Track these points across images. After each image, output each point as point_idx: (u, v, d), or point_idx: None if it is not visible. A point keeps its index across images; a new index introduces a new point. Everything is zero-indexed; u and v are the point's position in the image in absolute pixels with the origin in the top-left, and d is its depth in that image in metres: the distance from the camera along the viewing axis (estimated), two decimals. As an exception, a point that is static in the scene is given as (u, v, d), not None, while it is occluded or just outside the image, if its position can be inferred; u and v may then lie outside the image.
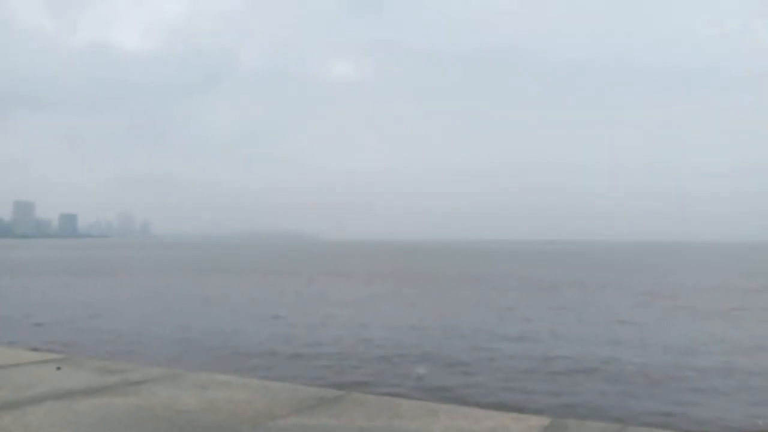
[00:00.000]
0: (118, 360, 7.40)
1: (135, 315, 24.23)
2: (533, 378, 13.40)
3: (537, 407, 10.48)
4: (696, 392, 11.99)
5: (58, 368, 6.65)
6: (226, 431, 4.54)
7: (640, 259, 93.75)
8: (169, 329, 20.09)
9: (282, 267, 65.71)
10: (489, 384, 12.97)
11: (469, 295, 33.07)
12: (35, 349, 9.29)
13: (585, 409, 10.61)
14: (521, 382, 13.08)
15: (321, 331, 19.39)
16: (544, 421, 4.99)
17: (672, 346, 17.11)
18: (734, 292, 35.15)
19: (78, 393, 5.56)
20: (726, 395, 11.69)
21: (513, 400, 11.28)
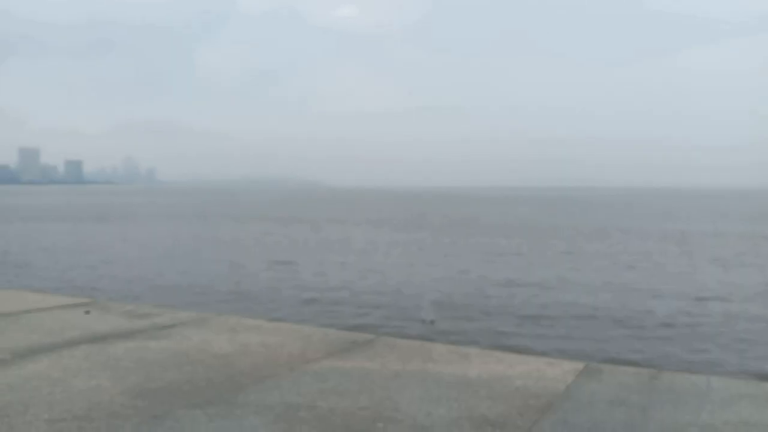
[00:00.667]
0: (143, 304, 7.42)
1: (147, 261, 24.39)
2: (545, 324, 13.48)
3: (556, 352, 10.55)
4: (717, 337, 12.05)
5: (87, 312, 6.68)
6: (264, 375, 4.55)
7: (654, 205, 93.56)
8: (184, 274, 20.22)
9: (287, 214, 65.86)
10: (501, 329, 13.06)
11: (478, 242, 33.12)
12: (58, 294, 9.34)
13: (605, 354, 10.68)
14: (533, 327, 13.15)
15: (330, 277, 19.49)
16: (579, 365, 4.99)
17: (692, 292, 17.14)
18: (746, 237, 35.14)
19: (110, 337, 5.58)
20: (744, 341, 11.76)
21: (527, 345, 11.36)
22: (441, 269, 21.83)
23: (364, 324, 12.83)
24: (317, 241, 33.57)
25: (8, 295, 8.11)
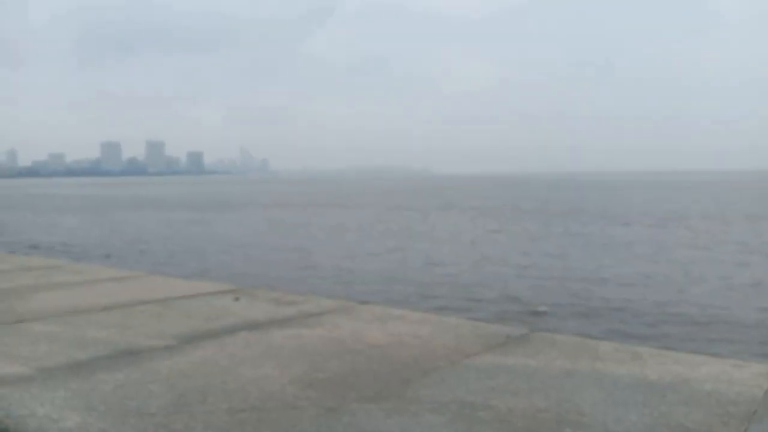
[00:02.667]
0: (286, 291, 7.48)
1: (273, 247, 25.24)
2: (668, 323, 12.59)
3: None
4: None
5: (237, 299, 6.80)
6: (426, 368, 4.37)
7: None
8: (310, 261, 20.74)
9: (396, 202, 66.20)
10: (614, 326, 12.36)
11: (593, 231, 31.79)
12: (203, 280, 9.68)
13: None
14: (654, 326, 12.31)
15: (439, 266, 19.30)
16: (770, 368, 4.46)
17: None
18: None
19: (265, 324, 5.61)
20: None
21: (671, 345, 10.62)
22: (552, 259, 21.09)
23: (485, 316, 12.56)
24: (424, 229, 33.45)
25: (157, 281, 8.45)
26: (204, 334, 5.21)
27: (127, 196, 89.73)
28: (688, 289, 15.87)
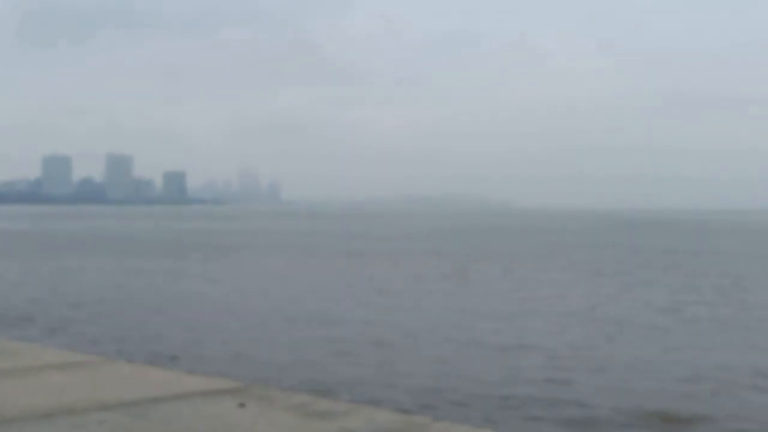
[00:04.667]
0: (314, 394, 7.18)
1: (287, 316, 25.12)
2: None
3: None
4: None
5: (242, 405, 6.51)
6: None
7: None
8: (343, 342, 20.55)
9: (475, 248, 65.82)
10: None
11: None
12: (190, 372, 9.46)
13: None
14: None
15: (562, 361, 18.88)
16: None
17: None
18: None
19: (288, 451, 5.27)
20: None
21: None
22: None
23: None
24: (516, 290, 32.97)
25: (122, 371, 8.23)
26: (195, 467, 4.90)
27: (77, 234, 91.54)
28: None
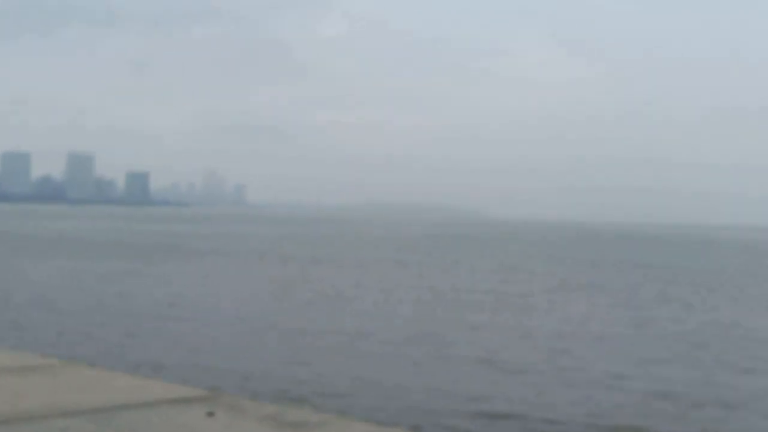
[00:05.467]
0: (286, 404, 7.02)
1: (255, 324, 24.86)
2: None
3: None
4: None
5: (210, 414, 6.33)
6: None
7: None
8: (312, 350, 20.35)
9: (442, 257, 65.85)
10: None
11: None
12: (154, 379, 9.23)
13: None
14: None
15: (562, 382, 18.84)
16: None
17: None
18: None
19: (261, 463, 5.10)
20: None
21: None
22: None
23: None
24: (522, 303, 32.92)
25: (84, 376, 8.00)
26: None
27: (34, 233, 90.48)
28: None
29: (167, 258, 53.43)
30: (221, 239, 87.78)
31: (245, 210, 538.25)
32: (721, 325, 27.98)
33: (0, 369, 7.90)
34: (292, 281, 39.74)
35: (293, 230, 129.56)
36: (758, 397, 16.92)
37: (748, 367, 20.23)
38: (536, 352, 21.43)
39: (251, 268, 47.79)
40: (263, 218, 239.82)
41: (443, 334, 23.76)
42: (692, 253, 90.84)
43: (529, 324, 26.73)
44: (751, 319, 30.17)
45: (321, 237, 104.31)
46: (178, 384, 8.00)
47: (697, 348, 22.75)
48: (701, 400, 16.44)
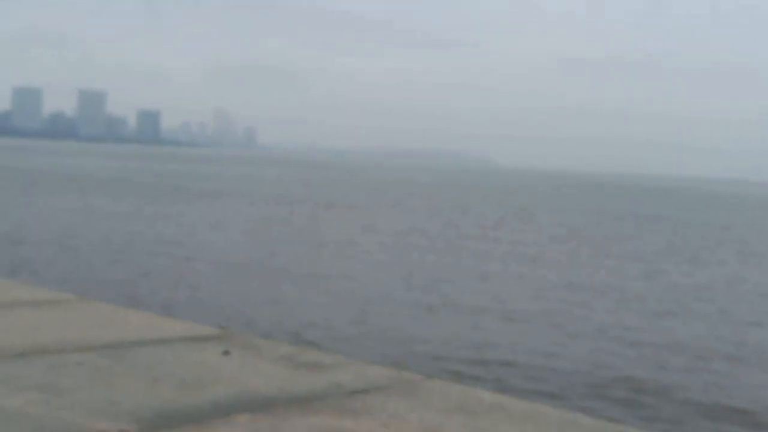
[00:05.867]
0: (302, 345, 7.05)
1: (269, 266, 24.98)
2: None
3: None
4: None
5: (226, 352, 6.35)
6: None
7: None
8: (329, 294, 20.46)
9: (451, 204, 65.85)
10: None
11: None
12: (169, 316, 9.28)
13: None
14: None
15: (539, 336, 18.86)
16: None
17: None
18: None
19: (277, 402, 5.13)
20: None
21: None
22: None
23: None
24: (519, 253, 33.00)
25: (100, 312, 8.03)
26: (179, 416, 4.75)
27: (46, 169, 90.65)
28: None
29: (177, 199, 53.55)
30: (232, 181, 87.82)
31: (255, 152, 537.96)
32: (728, 279, 28.03)
33: (17, 302, 7.94)
34: (302, 225, 39.84)
35: (304, 174, 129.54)
36: (763, 351, 17.02)
37: (754, 320, 20.33)
38: (543, 301, 21.53)
39: (262, 211, 47.87)
40: (273, 161, 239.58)
41: (451, 282, 23.86)
42: (695, 206, 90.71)
43: (537, 274, 26.79)
44: (757, 273, 30.22)
45: (332, 181, 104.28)
46: (192, 322, 8.04)
47: (704, 301, 22.83)
48: (707, 353, 16.52)
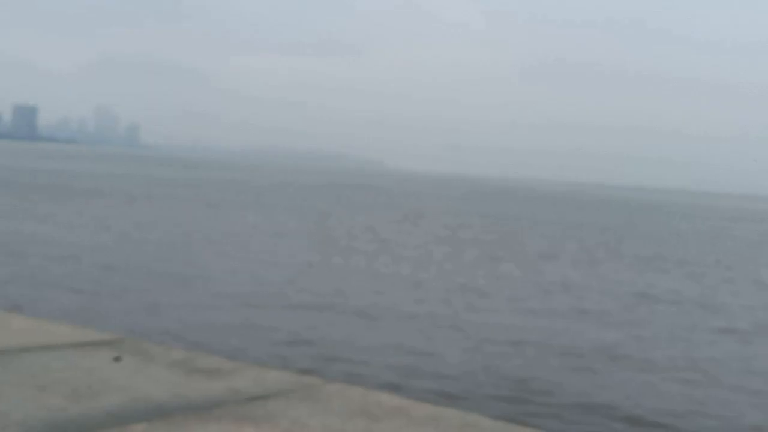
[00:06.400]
0: (196, 351, 6.91)
1: (148, 268, 24.42)
2: None
3: None
4: None
5: (117, 359, 6.17)
6: None
7: None
8: (219, 296, 20.15)
9: (337, 205, 65.94)
10: None
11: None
12: (57, 321, 8.95)
13: None
14: None
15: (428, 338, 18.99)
16: None
17: None
18: None
19: (173, 410, 5.00)
20: None
21: None
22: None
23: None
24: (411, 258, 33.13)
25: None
26: (72, 426, 4.57)
27: None
28: None
29: (51, 198, 51.81)
30: (109, 180, 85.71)
31: (137, 151, 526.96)
32: (603, 280, 28.82)
33: None
34: (180, 225, 39.11)
35: (184, 174, 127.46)
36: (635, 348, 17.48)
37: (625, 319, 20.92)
38: (425, 303, 21.55)
39: (136, 211, 46.79)
40: (156, 160, 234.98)
41: (332, 282, 23.82)
42: (584, 210, 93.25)
43: (412, 274, 26.98)
44: (628, 274, 31.20)
45: (208, 182, 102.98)
46: (80, 327, 7.78)
47: (579, 300, 23.43)
48: (584, 351, 16.84)
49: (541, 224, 59.84)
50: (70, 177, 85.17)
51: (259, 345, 15.36)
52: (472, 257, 33.31)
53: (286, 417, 5.06)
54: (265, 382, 5.86)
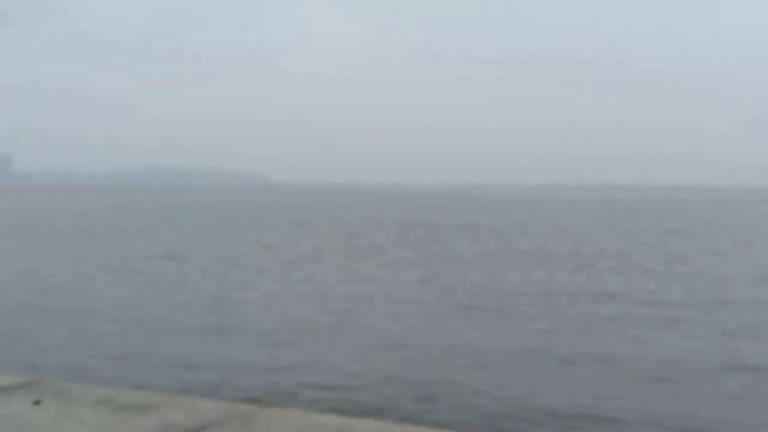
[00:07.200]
0: (119, 387, 6.63)
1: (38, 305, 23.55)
2: None
3: None
4: None
5: (37, 402, 5.88)
6: None
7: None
8: (111, 324, 19.44)
9: (237, 223, 65.07)
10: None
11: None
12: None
13: None
14: None
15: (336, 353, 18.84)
16: None
17: None
18: None
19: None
20: None
21: None
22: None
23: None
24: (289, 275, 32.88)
25: None
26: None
27: None
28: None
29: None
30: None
31: (11, 181, 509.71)
32: (490, 280, 29.12)
33: None
34: (67, 255, 37.96)
35: (62, 203, 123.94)
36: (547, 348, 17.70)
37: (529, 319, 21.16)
38: (325, 314, 21.32)
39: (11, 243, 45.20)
40: (27, 188, 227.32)
41: (229, 302, 23.35)
42: (473, 212, 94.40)
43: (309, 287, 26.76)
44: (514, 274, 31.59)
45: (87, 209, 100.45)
46: (-11, 371, 7.40)
47: (481, 301, 23.56)
48: (491, 352, 16.85)
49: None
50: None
51: (155, 371, 14.90)
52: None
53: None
54: (198, 413, 5.67)
